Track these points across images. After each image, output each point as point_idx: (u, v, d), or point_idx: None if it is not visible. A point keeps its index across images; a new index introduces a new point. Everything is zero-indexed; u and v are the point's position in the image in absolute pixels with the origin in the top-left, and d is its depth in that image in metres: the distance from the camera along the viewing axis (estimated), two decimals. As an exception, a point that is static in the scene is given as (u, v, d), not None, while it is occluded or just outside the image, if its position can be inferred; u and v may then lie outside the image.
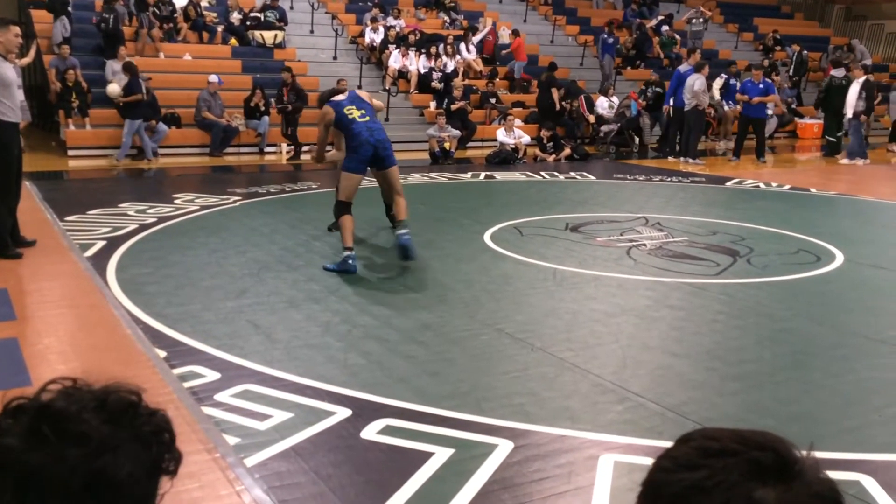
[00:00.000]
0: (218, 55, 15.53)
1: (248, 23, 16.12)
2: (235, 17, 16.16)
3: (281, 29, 16.25)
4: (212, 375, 4.13)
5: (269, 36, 16.08)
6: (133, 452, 0.88)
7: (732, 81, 16.16)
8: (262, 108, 13.86)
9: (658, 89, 16.22)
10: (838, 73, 16.10)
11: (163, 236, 7.38)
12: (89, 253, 6.63)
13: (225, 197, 9.44)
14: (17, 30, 6.50)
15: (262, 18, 16.10)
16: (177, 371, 4.17)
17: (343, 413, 3.72)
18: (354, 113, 6.50)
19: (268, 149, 14.05)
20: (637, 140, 16.15)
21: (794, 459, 0.82)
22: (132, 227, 7.67)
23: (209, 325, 4.92)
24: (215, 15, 16.29)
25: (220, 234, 7.47)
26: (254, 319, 5.06)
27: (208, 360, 4.35)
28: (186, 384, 4.00)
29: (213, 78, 13.57)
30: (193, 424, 3.50)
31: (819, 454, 3.11)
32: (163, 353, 4.41)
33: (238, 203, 9.15)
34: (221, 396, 3.88)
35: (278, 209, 8.89)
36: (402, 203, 6.58)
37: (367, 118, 6.54)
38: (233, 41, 15.94)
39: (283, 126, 13.82)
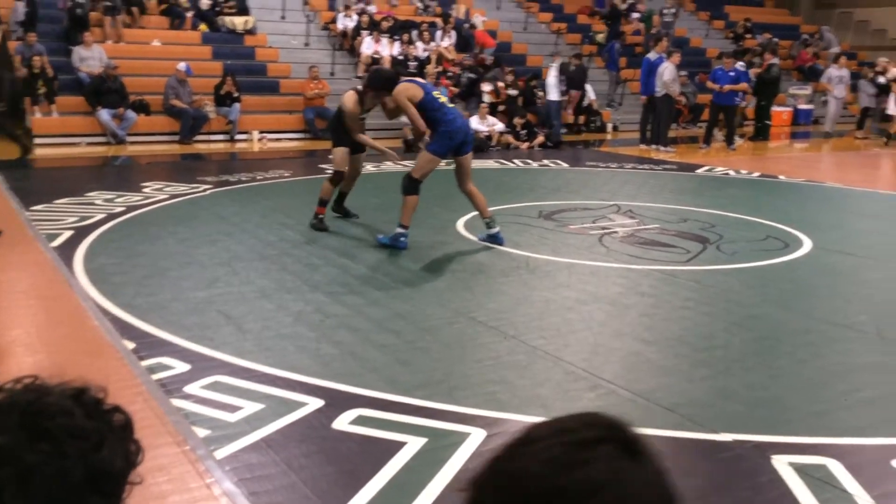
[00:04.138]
0: (187, 41, 15.33)
1: (216, 8, 15.92)
2: (205, 3, 15.94)
3: (245, 13, 16.04)
4: (181, 367, 4.09)
5: (239, 22, 15.90)
6: (117, 445, 0.91)
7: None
8: (234, 95, 13.72)
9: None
10: (776, 60, 16.73)
11: (131, 226, 7.28)
12: (56, 243, 6.53)
13: (195, 185, 9.34)
14: None
15: (223, 8, 15.86)
16: (145, 363, 4.12)
17: (315, 403, 3.70)
18: (442, 98, 6.65)
19: (238, 136, 13.91)
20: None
21: (639, 437, 0.82)
22: (100, 216, 7.56)
23: (178, 316, 4.86)
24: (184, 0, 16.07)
25: (190, 224, 7.39)
26: (224, 310, 5.02)
27: (178, 351, 4.30)
28: (155, 376, 3.96)
29: (182, 66, 13.42)
30: (162, 417, 3.47)
31: (787, 438, 3.15)
32: (131, 345, 4.35)
33: (208, 191, 9.05)
34: (191, 388, 3.84)
35: (250, 197, 8.81)
36: (481, 196, 6.85)
37: (453, 104, 6.73)
38: (202, 27, 15.74)
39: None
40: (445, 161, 6.83)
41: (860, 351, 4.64)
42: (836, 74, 16.95)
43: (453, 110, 6.67)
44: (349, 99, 7.25)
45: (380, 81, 6.87)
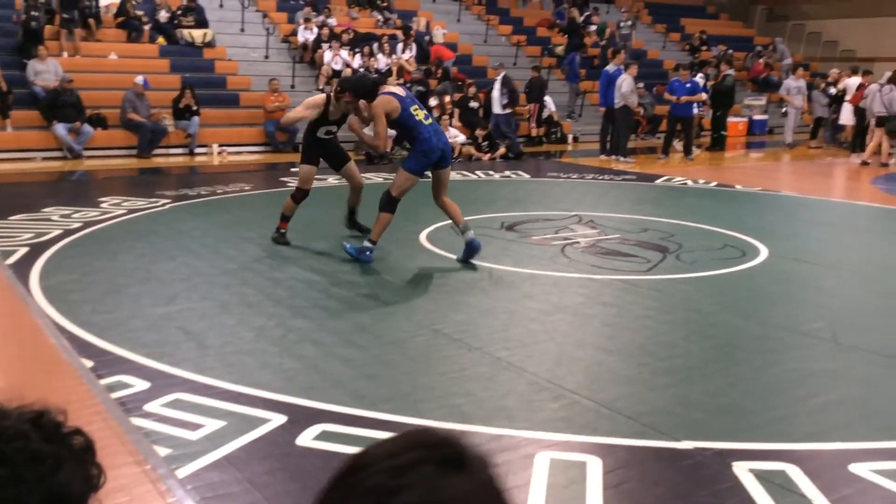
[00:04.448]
0: (145, 54, 15.17)
1: (175, 21, 15.79)
2: (163, 15, 15.79)
3: (204, 26, 15.93)
4: (141, 385, 4.03)
5: (197, 35, 15.76)
6: (75, 469, 0.89)
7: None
8: (193, 109, 13.59)
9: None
10: (731, 71, 17.04)
11: (88, 242, 7.16)
12: (11, 260, 6.40)
13: (154, 200, 9.22)
14: None
15: (181, 21, 15.74)
16: (104, 381, 4.05)
17: (278, 420, 3.67)
18: (420, 114, 6.48)
19: (198, 150, 13.78)
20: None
21: (468, 449, 0.84)
22: (56, 232, 7.42)
23: (138, 333, 4.79)
24: (142, 13, 15.89)
25: (149, 239, 7.29)
26: (185, 326, 4.95)
27: (137, 369, 4.23)
28: (114, 395, 3.89)
29: (139, 79, 13.26)
30: (122, 436, 3.41)
31: (747, 445, 3.20)
32: (89, 363, 4.28)
33: (167, 206, 8.94)
34: (151, 406, 3.78)
35: (210, 212, 8.72)
36: (455, 206, 6.70)
37: (431, 120, 6.60)
38: (160, 40, 15.58)
39: None
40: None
41: (816, 357, 4.74)
42: (795, 85, 17.14)
43: (429, 128, 6.49)
44: (318, 97, 7.21)
45: (363, 89, 6.62)
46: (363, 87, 6.69)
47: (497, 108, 14.96)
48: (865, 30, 23.21)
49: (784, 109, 17.66)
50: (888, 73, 15.19)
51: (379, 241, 6.62)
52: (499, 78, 15.08)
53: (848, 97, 16.43)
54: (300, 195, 7.24)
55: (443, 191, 6.71)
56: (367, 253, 6.56)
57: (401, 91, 6.64)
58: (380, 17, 18.89)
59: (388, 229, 6.64)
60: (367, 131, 6.93)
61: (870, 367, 4.55)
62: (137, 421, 3.62)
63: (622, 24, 20.07)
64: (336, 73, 15.97)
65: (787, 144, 17.11)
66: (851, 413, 3.95)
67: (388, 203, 6.54)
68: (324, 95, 7.18)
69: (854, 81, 16.45)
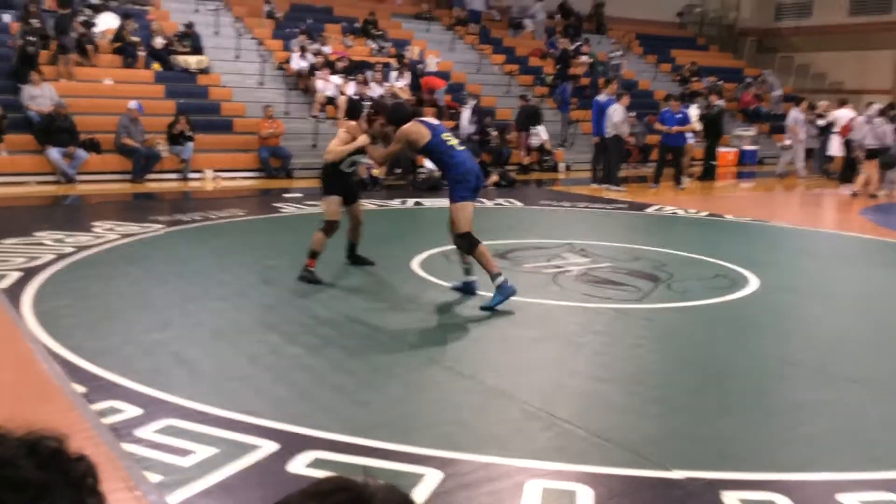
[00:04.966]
0: (140, 80, 15.26)
1: (171, 47, 15.91)
2: (159, 42, 15.90)
3: (199, 52, 16.05)
4: (133, 411, 4.02)
5: (193, 61, 15.88)
6: (67, 497, 0.89)
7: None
8: (187, 134, 13.65)
9: None
10: (721, 102, 17.41)
11: (82, 267, 7.16)
12: (3, 284, 6.39)
13: (147, 225, 9.23)
14: None
15: (177, 47, 15.88)
16: (96, 407, 4.04)
17: (270, 447, 3.67)
18: (452, 141, 6.41)
19: (192, 175, 13.82)
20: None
21: (367, 490, 0.88)
22: (49, 257, 7.42)
23: (130, 359, 4.79)
24: (138, 39, 16.00)
25: (143, 264, 7.30)
26: (177, 352, 4.96)
27: (129, 394, 4.23)
28: (106, 420, 3.89)
29: (133, 104, 13.33)
30: (114, 462, 3.41)
31: (736, 475, 3.23)
32: (81, 389, 4.27)
33: (161, 231, 8.96)
34: (143, 432, 3.78)
35: (203, 237, 8.74)
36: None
37: (464, 147, 6.53)
38: (156, 66, 15.68)
39: None
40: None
41: (806, 387, 4.77)
42: (801, 117, 17.03)
43: (462, 153, 6.38)
44: (349, 125, 7.13)
45: (397, 115, 6.55)
46: (399, 113, 6.58)
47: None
48: (853, 63, 23.55)
49: (788, 142, 17.43)
50: (877, 106, 15.39)
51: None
52: (468, 106, 15.47)
53: (836, 129, 16.60)
54: (329, 228, 7.00)
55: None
56: (503, 287, 6.10)
57: (433, 120, 6.65)
58: (374, 45, 19.06)
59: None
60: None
61: (858, 398, 4.59)
62: (129, 447, 3.61)
63: (613, 55, 20.30)
64: (330, 101, 16.10)
65: (778, 174, 17.25)
66: (840, 443, 3.97)
67: (468, 241, 6.25)
68: (354, 124, 7.12)
69: (842, 113, 16.63)
